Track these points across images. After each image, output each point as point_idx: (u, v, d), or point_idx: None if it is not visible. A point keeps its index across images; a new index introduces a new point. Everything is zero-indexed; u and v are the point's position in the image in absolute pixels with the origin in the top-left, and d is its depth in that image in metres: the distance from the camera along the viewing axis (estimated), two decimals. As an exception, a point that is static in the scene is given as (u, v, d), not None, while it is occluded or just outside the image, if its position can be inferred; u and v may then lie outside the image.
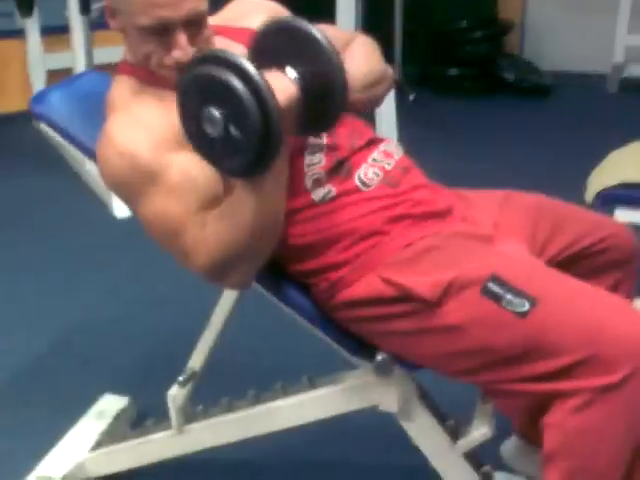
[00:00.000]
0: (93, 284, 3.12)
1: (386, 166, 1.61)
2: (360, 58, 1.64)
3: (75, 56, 4.14)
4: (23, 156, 4.33)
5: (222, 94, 1.25)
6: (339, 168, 1.57)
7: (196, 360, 1.87)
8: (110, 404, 2.23)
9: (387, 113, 4.25)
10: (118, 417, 2.19)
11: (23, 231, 3.64)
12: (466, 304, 1.41)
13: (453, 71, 5.78)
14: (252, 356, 2.52)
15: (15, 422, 2.30)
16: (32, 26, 5.15)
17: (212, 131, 1.27)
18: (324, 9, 4.56)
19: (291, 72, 1.36)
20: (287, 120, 1.31)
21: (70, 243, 3.49)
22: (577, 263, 1.64)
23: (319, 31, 1.37)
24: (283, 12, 1.75)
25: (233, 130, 1.25)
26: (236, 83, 1.24)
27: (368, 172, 1.58)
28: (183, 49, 1.47)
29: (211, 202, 1.44)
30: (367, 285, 1.51)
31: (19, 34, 5.25)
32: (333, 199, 1.55)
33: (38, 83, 5.17)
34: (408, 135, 4.27)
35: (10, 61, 5.37)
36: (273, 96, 1.24)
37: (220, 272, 1.45)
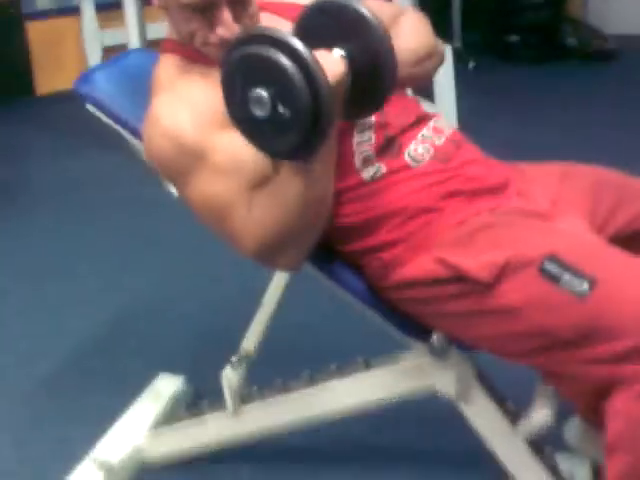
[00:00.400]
0: (150, 263, 3.12)
1: (436, 141, 1.55)
2: (409, 33, 1.59)
3: (129, 32, 4.13)
4: (80, 134, 4.30)
5: (270, 73, 1.20)
6: (389, 146, 1.52)
7: (249, 341, 1.85)
8: (166, 384, 2.22)
9: (445, 83, 4.19)
10: (174, 397, 2.18)
11: (83, 210, 3.65)
12: (523, 285, 1.36)
13: (514, 38, 5.64)
14: (308, 336, 2.49)
15: (71, 406, 2.30)
16: (87, 2, 5.17)
17: (259, 112, 1.22)
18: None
19: (338, 51, 1.32)
20: (336, 100, 1.27)
21: (128, 222, 3.49)
22: (640, 241, 1.57)
23: (367, 9, 1.32)
24: None
25: (282, 109, 1.21)
26: (284, 61, 1.19)
27: (418, 148, 1.53)
28: (228, 26, 1.43)
29: (258, 183, 1.40)
30: (420, 265, 1.46)
31: (74, 11, 5.27)
32: (383, 177, 1.51)
33: (94, 60, 5.20)
34: (467, 104, 4.21)
35: (66, 38, 5.41)
36: (323, 73, 1.20)
37: (268, 254, 1.41)
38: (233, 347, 1.87)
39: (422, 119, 1.59)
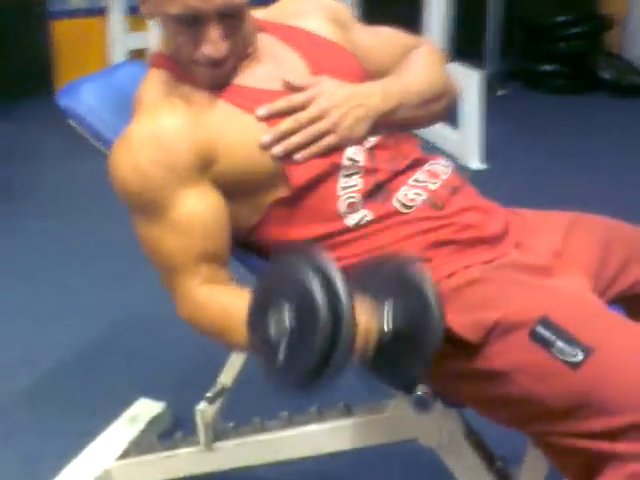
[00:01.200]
0: (148, 279, 3.02)
1: (430, 186, 1.43)
2: (416, 71, 1.52)
3: (150, 36, 4.06)
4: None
5: (303, 306, 1.09)
6: (378, 191, 1.41)
7: (227, 375, 1.75)
8: (145, 409, 2.14)
9: (471, 109, 4.09)
10: (151, 423, 2.10)
11: (85, 216, 3.55)
12: (512, 349, 1.25)
13: (546, 67, 5.51)
14: None
15: (47, 420, 2.22)
16: (117, 3, 5.11)
17: (273, 330, 1.12)
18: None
19: (388, 311, 1.21)
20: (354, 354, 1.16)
21: (130, 235, 3.39)
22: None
23: (432, 290, 1.21)
24: (342, 13, 1.60)
25: (294, 341, 1.10)
26: (320, 302, 1.07)
27: (409, 193, 1.42)
28: (214, 44, 1.34)
29: (209, 257, 1.36)
30: (404, 318, 1.35)
31: (103, 12, 5.21)
32: (369, 223, 1.40)
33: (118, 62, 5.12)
34: (494, 132, 4.09)
35: (91, 39, 5.34)
36: (353, 334, 1.10)
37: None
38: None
39: (417, 162, 1.48)
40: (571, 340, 1.20)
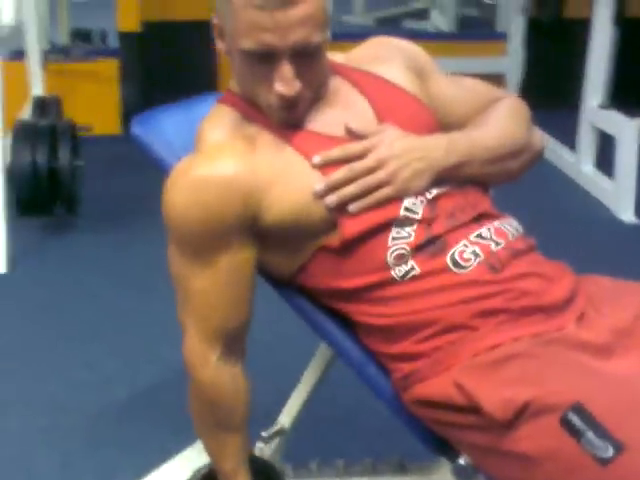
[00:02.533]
0: (257, 305, 3.03)
1: (492, 246, 1.35)
2: (495, 125, 1.45)
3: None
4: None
5: None
6: (430, 244, 1.33)
7: (286, 415, 1.72)
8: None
9: (628, 159, 3.90)
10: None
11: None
12: (541, 433, 1.17)
13: None
14: (356, 421, 2.29)
15: (132, 434, 2.26)
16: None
17: None
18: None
19: None
20: None
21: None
22: None
23: None
24: (423, 62, 1.54)
25: None
26: None
27: (466, 251, 1.33)
28: (287, 82, 1.31)
29: (231, 326, 1.41)
30: (440, 386, 1.29)
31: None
32: (416, 278, 1.32)
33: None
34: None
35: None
36: None
37: None
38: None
39: (484, 218, 1.39)
40: (603, 433, 1.12)
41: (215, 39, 1.40)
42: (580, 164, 4.35)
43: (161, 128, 1.54)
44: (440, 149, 1.36)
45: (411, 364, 1.33)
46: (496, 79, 5.10)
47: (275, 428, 1.72)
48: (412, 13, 8.16)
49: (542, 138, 1.53)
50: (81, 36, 5.58)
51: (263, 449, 1.72)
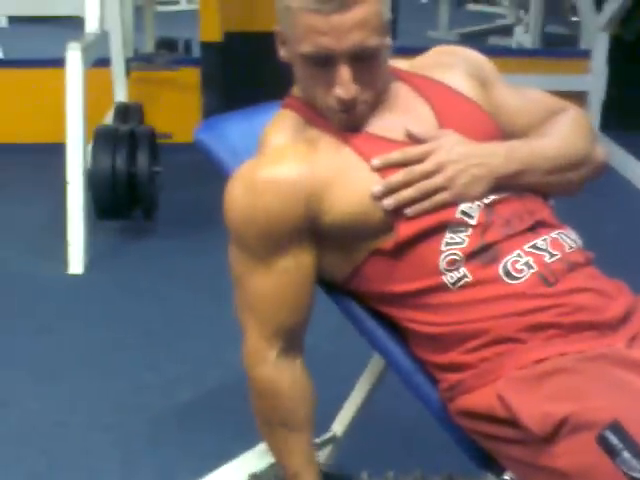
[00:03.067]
0: (320, 317, 3.03)
1: (547, 258, 1.34)
2: (557, 136, 1.45)
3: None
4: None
5: None
6: (483, 251, 1.33)
7: (339, 423, 1.73)
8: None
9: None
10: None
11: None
12: (577, 450, 1.16)
13: None
14: (408, 429, 2.26)
15: (193, 436, 2.29)
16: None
17: None
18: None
19: None
20: None
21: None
22: None
23: None
24: (487, 70, 1.54)
25: None
26: None
27: (519, 261, 1.33)
28: (345, 85, 1.33)
29: (291, 324, 1.43)
30: (484, 397, 1.29)
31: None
32: (468, 285, 1.33)
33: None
34: None
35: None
36: None
37: None
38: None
39: (541, 226, 1.38)
40: (638, 453, 1.09)
41: (278, 47, 1.43)
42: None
43: (225, 134, 1.57)
44: (500, 156, 1.37)
45: (458, 375, 1.34)
46: (579, 97, 5.04)
47: (327, 435, 1.74)
48: (497, 30, 8.12)
49: (605, 152, 1.52)
50: (166, 45, 5.69)
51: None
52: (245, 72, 4.94)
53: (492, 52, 6.01)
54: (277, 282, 1.39)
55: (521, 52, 6.26)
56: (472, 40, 7.70)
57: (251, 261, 1.39)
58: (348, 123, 1.40)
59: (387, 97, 1.45)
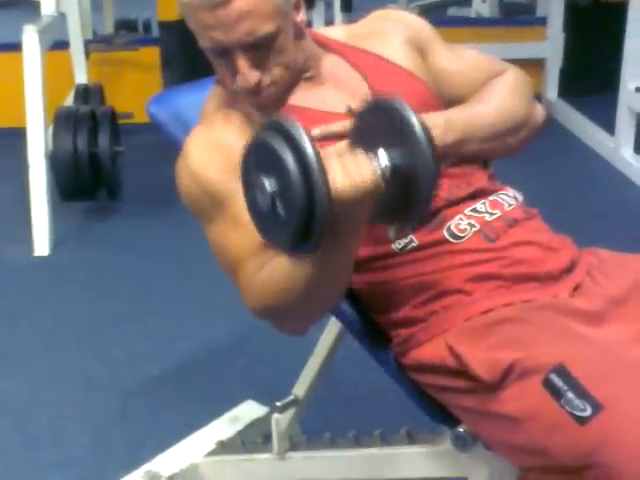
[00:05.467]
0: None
1: (487, 217, 1.40)
2: (495, 100, 1.46)
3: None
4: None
5: (276, 168, 1.13)
6: (429, 219, 1.38)
7: (300, 386, 1.78)
8: (248, 411, 2.19)
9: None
10: (251, 425, 2.15)
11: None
12: (524, 394, 1.21)
13: None
14: (371, 392, 2.32)
15: (161, 408, 2.34)
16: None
17: (261, 201, 1.16)
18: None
19: (383, 157, 1.17)
20: (357, 208, 1.16)
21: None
22: None
23: (417, 117, 1.17)
24: (424, 34, 1.55)
25: (279, 206, 1.14)
26: (289, 161, 1.10)
27: (462, 223, 1.39)
28: (243, 75, 1.36)
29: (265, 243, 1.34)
30: (433, 349, 1.35)
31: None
32: (414, 249, 1.38)
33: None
34: None
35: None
36: (325, 181, 1.09)
37: (268, 318, 1.36)
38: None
39: (481, 192, 1.43)
40: (582, 393, 1.16)
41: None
42: (619, 148, 4.32)
43: (175, 106, 1.60)
44: (438, 128, 1.36)
45: (409, 329, 1.39)
46: (537, 64, 5.10)
47: (288, 399, 1.78)
48: (455, 1, 8.14)
49: (543, 112, 1.54)
50: (126, 26, 5.68)
51: (278, 419, 1.79)
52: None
53: (451, 23, 6.03)
54: (242, 213, 1.31)
55: (479, 21, 6.29)
56: (431, 12, 7.73)
57: (215, 217, 1.39)
58: (259, 104, 1.42)
59: (318, 72, 1.46)
